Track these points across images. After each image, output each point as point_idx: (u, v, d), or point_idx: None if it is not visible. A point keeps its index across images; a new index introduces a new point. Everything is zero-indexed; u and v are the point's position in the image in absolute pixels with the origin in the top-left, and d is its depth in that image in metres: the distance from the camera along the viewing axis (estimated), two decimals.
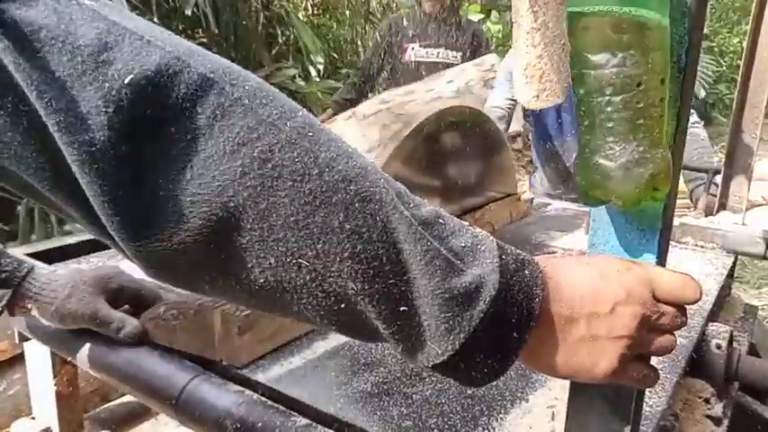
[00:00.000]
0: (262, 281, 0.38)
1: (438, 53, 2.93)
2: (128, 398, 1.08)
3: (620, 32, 0.39)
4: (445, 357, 0.39)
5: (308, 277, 0.38)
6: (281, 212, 0.36)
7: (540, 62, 0.40)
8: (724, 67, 8.76)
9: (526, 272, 0.41)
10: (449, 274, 0.39)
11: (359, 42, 5.09)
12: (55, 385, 0.95)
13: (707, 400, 0.80)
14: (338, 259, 0.37)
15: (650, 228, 0.46)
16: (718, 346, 0.84)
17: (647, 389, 0.64)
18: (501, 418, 0.66)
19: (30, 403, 1.03)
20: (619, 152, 0.41)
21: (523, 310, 0.40)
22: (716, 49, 8.67)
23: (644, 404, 0.52)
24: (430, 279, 0.38)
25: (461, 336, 0.39)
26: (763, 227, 1.22)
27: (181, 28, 3.35)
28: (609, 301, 0.42)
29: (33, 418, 1.01)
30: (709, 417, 0.78)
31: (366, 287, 0.38)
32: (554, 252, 1.22)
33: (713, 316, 0.99)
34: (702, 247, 1.24)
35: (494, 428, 0.64)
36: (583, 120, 0.42)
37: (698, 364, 0.84)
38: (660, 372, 0.74)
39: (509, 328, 0.40)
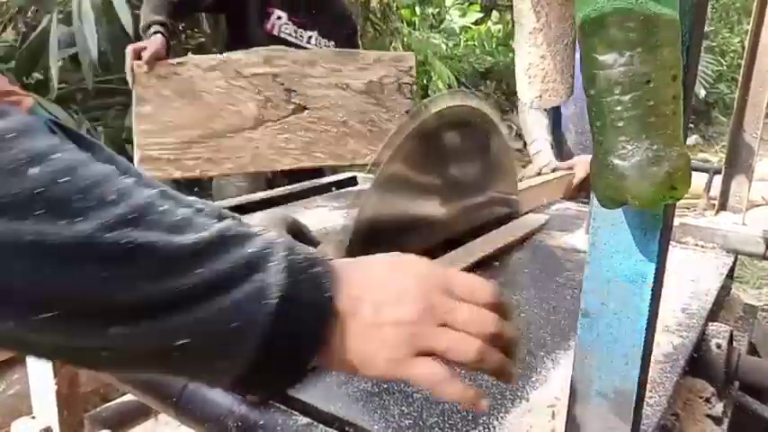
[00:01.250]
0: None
1: (310, 38, 2.18)
2: (128, 397, 1.08)
3: (627, 31, 0.38)
4: (244, 370, 0.40)
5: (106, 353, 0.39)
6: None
7: (543, 62, 0.40)
8: (724, 67, 8.76)
9: (316, 269, 0.43)
10: (233, 283, 0.39)
11: (359, 42, 5.08)
12: (55, 384, 0.95)
13: (707, 400, 0.80)
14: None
15: (651, 227, 0.46)
16: (719, 346, 0.84)
17: (650, 390, 0.64)
18: (501, 417, 0.66)
19: (30, 402, 1.03)
20: (631, 151, 0.41)
21: (315, 304, 0.42)
22: (716, 49, 8.68)
23: (644, 403, 0.52)
24: (211, 296, 0.39)
25: (255, 341, 0.40)
26: (763, 227, 1.22)
27: (180, 28, 3.35)
28: (394, 288, 0.45)
29: (34, 418, 1.01)
30: (709, 416, 0.78)
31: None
32: (554, 251, 1.22)
33: (713, 316, 0.99)
34: (702, 246, 1.24)
35: (494, 427, 0.64)
36: (595, 121, 0.42)
37: (698, 363, 0.84)
38: (660, 371, 0.74)
39: (303, 325, 0.41)
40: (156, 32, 1.72)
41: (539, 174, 1.84)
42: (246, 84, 1.65)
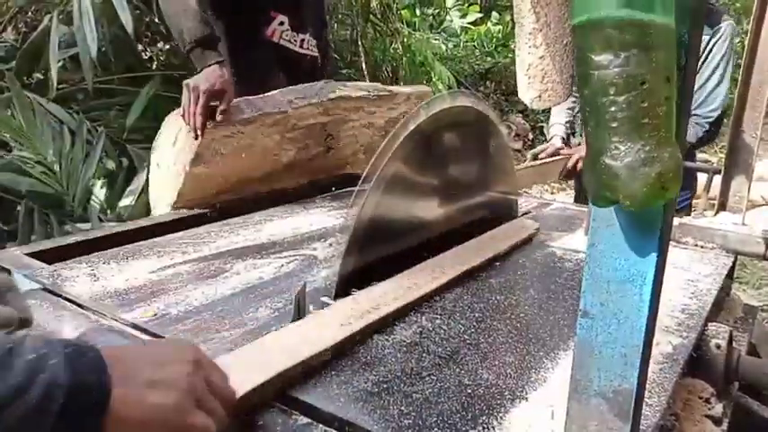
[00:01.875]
0: None
1: (303, 41, 1.99)
2: None
3: (623, 33, 0.38)
4: None
5: None
6: None
7: (543, 63, 0.40)
8: None
9: (91, 354, 0.52)
10: (25, 391, 0.47)
11: (360, 43, 5.08)
12: None
13: (707, 400, 0.81)
14: None
15: (650, 228, 0.46)
16: (718, 346, 0.84)
17: (650, 391, 0.64)
18: (501, 417, 0.66)
19: None
20: (624, 152, 0.41)
21: (98, 381, 0.51)
22: None
23: (643, 404, 0.52)
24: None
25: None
26: (763, 227, 1.22)
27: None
28: (160, 355, 0.58)
29: None
30: (709, 417, 0.78)
31: None
32: (553, 252, 1.22)
33: (713, 316, 0.99)
34: (702, 247, 1.24)
35: (493, 427, 0.64)
36: (589, 120, 0.42)
37: (698, 363, 0.84)
38: (660, 372, 0.74)
39: (90, 398, 0.50)
40: (217, 63, 1.46)
41: (535, 158, 1.99)
42: (297, 135, 1.59)
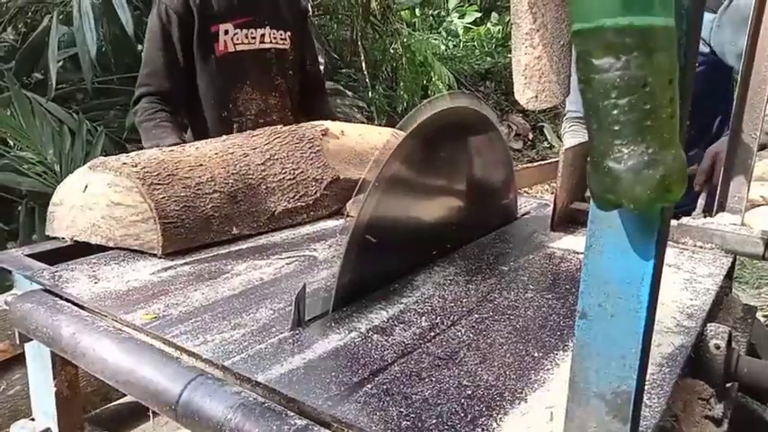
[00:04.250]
0: None
1: (264, 36, 1.92)
2: (128, 398, 1.08)
3: (623, 36, 0.38)
4: None
5: None
6: None
7: (540, 63, 0.40)
8: None
9: None
10: None
11: (359, 43, 5.09)
12: (54, 386, 0.95)
13: (707, 401, 0.80)
14: None
15: (648, 229, 0.46)
16: (717, 347, 0.84)
17: (649, 392, 0.64)
18: (500, 419, 0.66)
19: (29, 404, 1.03)
20: (627, 154, 0.41)
21: None
22: None
23: (643, 405, 0.52)
24: None
25: None
26: (762, 227, 1.21)
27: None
28: None
29: (33, 420, 1.01)
30: (709, 417, 0.78)
31: None
32: (553, 252, 1.22)
33: (712, 316, 0.99)
34: (701, 247, 1.24)
35: (492, 429, 0.64)
36: (591, 123, 0.42)
37: (697, 364, 0.84)
38: (659, 373, 0.74)
39: None
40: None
41: None
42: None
